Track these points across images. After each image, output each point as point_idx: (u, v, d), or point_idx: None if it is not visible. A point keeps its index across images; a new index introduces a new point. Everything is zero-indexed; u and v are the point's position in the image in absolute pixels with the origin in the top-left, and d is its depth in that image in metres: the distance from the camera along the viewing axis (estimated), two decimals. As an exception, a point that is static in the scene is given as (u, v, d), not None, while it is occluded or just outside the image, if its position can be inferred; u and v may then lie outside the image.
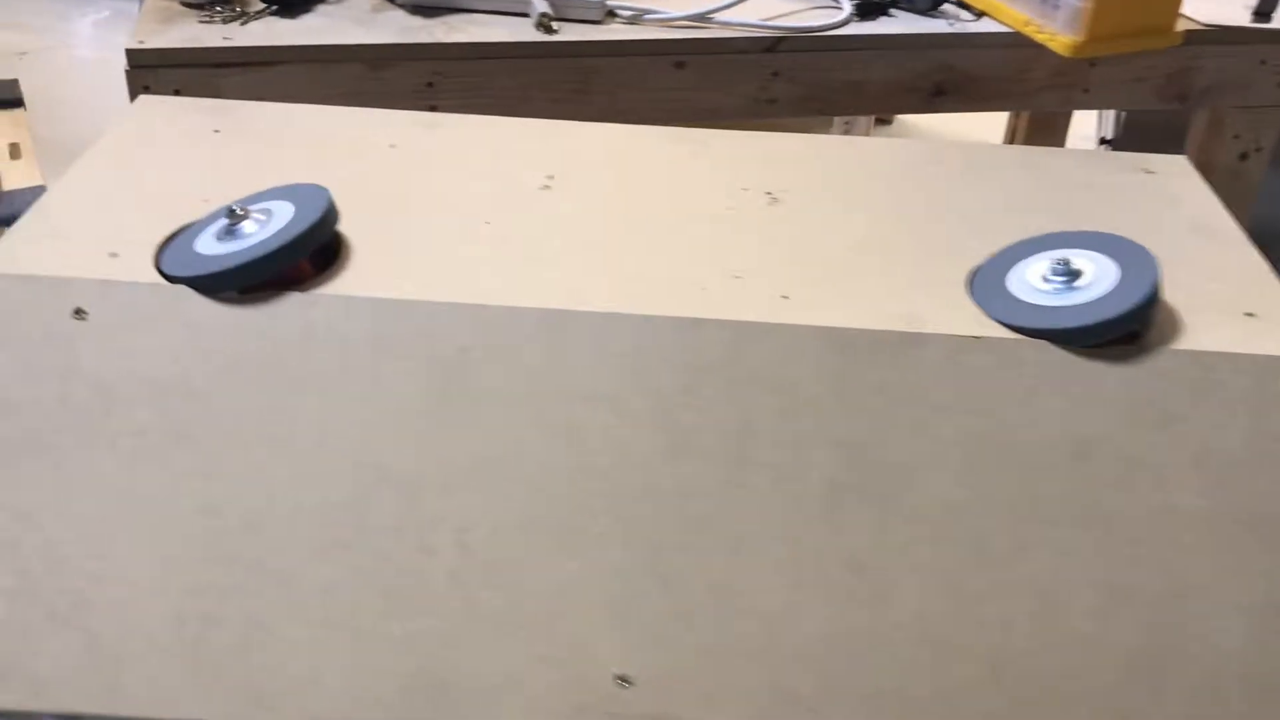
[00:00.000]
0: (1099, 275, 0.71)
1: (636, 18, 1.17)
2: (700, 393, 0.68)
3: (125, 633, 0.60)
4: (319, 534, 0.62)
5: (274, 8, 1.14)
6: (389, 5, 1.17)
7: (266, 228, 0.71)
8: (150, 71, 1.07)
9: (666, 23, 1.18)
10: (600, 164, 0.87)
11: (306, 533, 0.62)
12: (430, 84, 1.12)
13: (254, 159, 0.84)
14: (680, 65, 1.15)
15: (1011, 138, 2.11)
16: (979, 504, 0.65)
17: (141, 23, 1.11)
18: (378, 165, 0.85)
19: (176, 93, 1.03)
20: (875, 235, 0.80)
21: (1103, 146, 2.19)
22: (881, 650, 0.62)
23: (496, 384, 0.67)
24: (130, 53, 1.07)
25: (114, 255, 0.72)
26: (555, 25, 1.14)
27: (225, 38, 1.09)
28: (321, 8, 1.16)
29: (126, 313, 0.68)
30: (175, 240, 0.73)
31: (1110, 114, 2.17)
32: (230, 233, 0.71)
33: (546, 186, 0.84)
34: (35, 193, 2.20)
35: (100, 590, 0.60)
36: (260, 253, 0.69)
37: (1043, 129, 2.06)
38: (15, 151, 2.29)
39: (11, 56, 2.71)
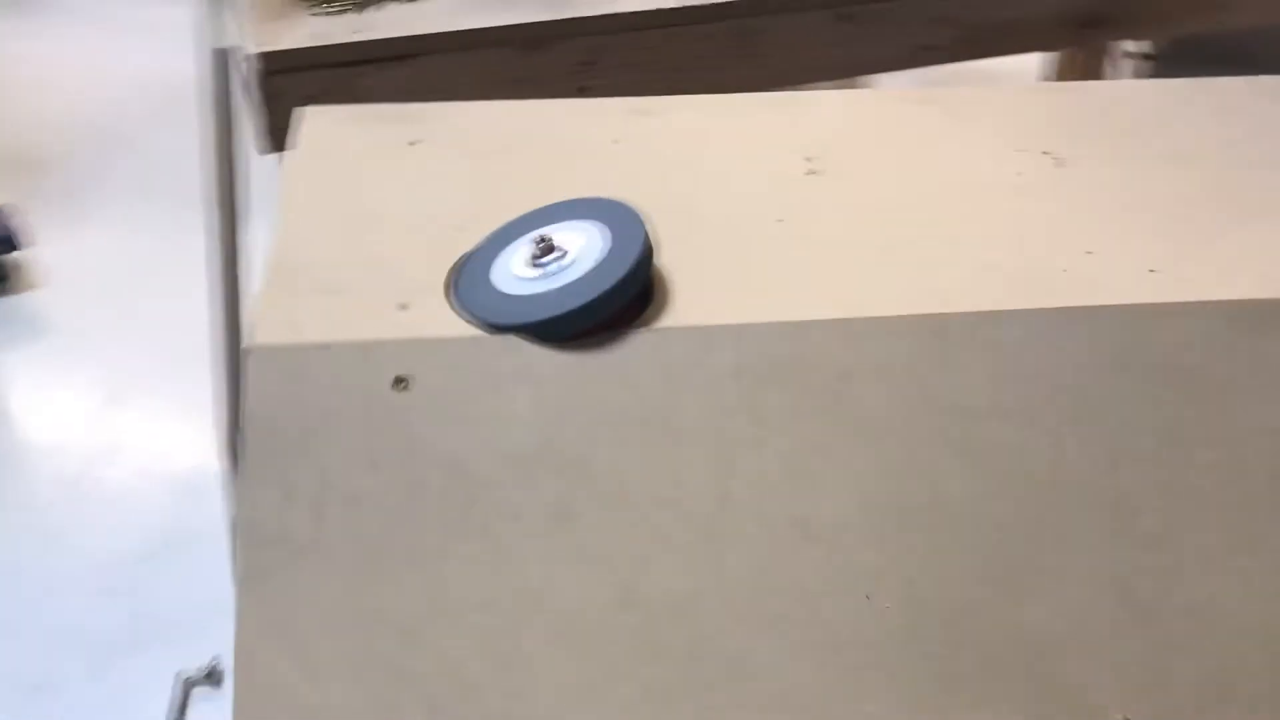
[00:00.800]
0: None
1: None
2: (1112, 390, 0.60)
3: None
4: (756, 607, 0.54)
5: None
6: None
7: (582, 258, 0.61)
8: (287, 76, 0.95)
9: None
10: (851, 138, 0.79)
11: (742, 608, 0.54)
12: (587, 62, 1.01)
13: (477, 172, 0.74)
14: (846, 19, 1.06)
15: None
16: None
17: (248, 23, 0.98)
18: (615, 165, 0.75)
19: (309, 99, 0.91)
20: (1188, 190, 0.73)
21: (1147, 62, 2.14)
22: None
23: (887, 407, 0.59)
24: (266, 57, 0.94)
25: (404, 307, 0.62)
26: (706, -17, 1.04)
27: (355, 30, 0.98)
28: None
29: (455, 374, 0.59)
30: (463, 279, 0.63)
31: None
32: (537, 266, 0.62)
33: (812, 171, 0.75)
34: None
35: (525, 715, 0.51)
36: (599, 289, 0.59)
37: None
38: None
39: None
